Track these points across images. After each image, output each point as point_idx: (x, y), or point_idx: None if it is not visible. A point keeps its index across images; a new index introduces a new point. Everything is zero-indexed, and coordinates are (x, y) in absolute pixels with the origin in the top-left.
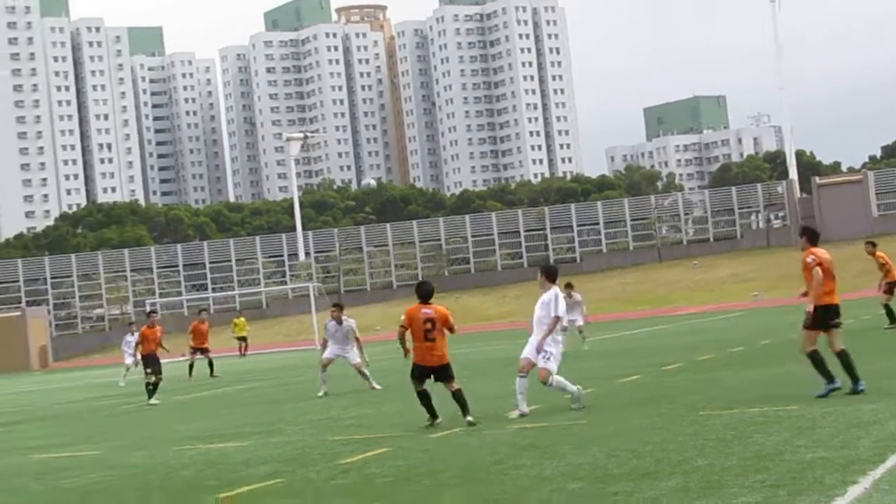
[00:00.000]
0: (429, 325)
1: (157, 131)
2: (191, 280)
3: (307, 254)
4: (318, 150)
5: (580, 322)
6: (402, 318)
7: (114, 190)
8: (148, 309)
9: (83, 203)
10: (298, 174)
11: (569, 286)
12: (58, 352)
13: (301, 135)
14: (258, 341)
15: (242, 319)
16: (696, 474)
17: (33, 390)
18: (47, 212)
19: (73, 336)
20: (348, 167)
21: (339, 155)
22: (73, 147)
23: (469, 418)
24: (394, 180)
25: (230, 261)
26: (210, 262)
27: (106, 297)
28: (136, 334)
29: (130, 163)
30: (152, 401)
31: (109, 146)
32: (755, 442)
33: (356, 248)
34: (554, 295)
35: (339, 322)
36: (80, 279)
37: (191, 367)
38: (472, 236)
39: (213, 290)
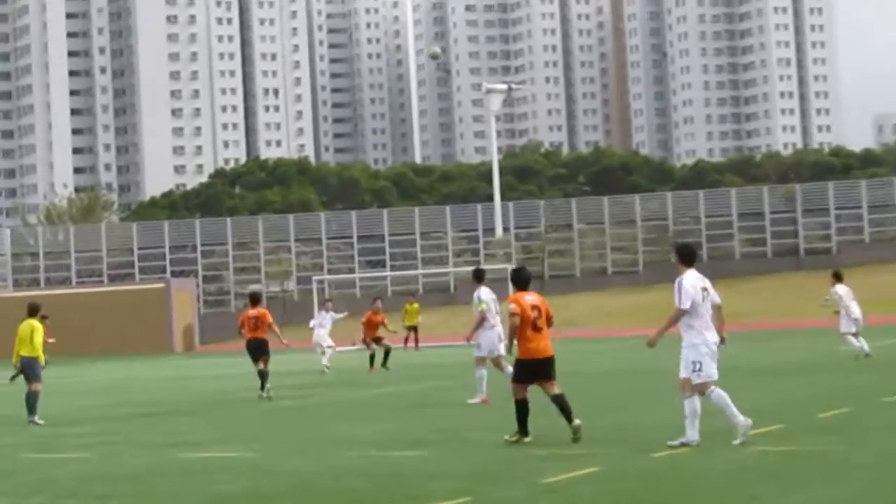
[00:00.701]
0: (536, 314)
1: (332, 76)
2: (366, 254)
3: (506, 229)
4: (524, 105)
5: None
6: (512, 306)
7: (279, 144)
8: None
9: (242, 158)
10: (499, 133)
11: (836, 277)
12: (205, 332)
13: (504, 86)
14: (444, 331)
15: (415, 305)
16: None
17: (176, 377)
18: (200, 167)
19: (224, 315)
20: (559, 127)
21: (549, 112)
22: (233, 91)
23: (577, 422)
24: (613, 145)
25: (414, 234)
26: (390, 235)
27: (265, 271)
28: (330, 313)
29: (300, 112)
30: (265, 393)
31: (276, 92)
32: None
33: (565, 224)
34: (678, 282)
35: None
36: (236, 248)
37: (372, 357)
38: (706, 216)
39: (392, 267)
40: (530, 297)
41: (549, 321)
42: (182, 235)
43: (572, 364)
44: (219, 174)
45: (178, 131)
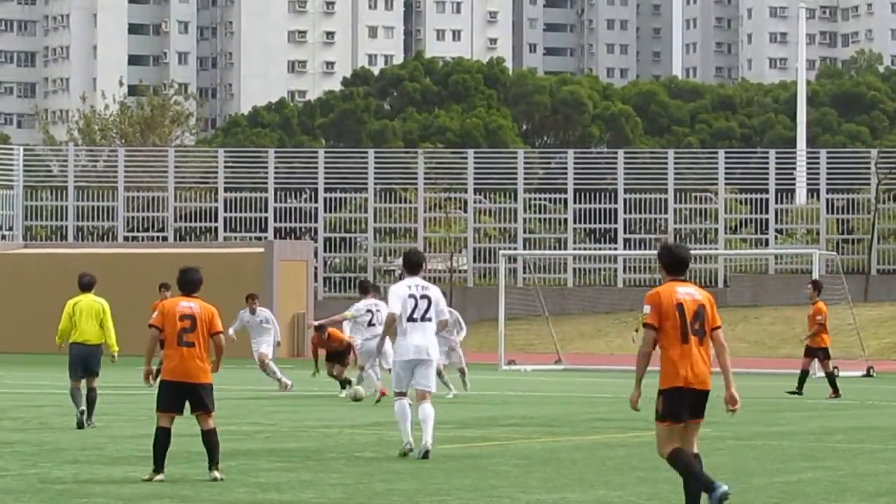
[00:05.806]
0: (187, 324)
1: None
2: (586, 220)
3: (812, 192)
4: None
5: None
6: (155, 315)
7: (457, 36)
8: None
9: (398, 56)
10: (810, 39)
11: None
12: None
13: None
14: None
15: None
16: None
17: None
18: (329, 66)
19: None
20: None
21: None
22: None
23: (216, 474)
24: None
25: (665, 189)
26: (626, 190)
27: (424, 236)
28: None
29: None
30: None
31: None
32: None
33: None
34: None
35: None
36: (381, 197)
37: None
38: None
39: (627, 243)
40: (186, 304)
41: (213, 335)
42: (296, 172)
43: None
44: (358, 79)
45: (297, 5)
